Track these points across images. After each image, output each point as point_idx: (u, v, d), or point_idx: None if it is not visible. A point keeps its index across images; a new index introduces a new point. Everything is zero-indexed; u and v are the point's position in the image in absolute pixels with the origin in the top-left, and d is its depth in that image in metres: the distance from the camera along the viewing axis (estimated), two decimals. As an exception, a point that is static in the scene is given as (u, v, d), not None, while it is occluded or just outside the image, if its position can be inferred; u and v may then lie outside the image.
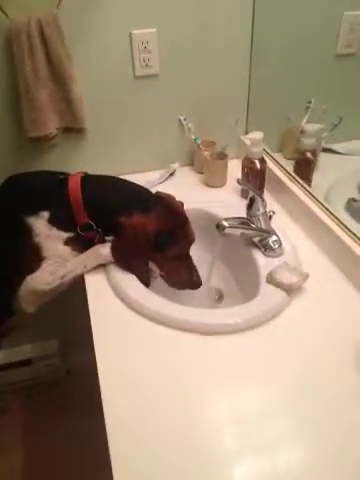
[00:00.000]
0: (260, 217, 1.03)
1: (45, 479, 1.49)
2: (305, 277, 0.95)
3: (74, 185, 1.01)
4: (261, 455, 0.69)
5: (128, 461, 0.68)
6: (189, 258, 1.05)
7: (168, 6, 1.20)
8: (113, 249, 1.00)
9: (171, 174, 1.41)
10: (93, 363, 0.83)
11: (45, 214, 1.00)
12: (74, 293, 1.01)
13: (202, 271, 1.06)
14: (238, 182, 1.14)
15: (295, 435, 0.71)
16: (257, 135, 1.21)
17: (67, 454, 1.52)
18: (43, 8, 1.08)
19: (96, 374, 0.81)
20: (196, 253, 1.07)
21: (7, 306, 1.09)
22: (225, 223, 0.98)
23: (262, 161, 1.23)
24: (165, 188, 1.10)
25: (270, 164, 1.29)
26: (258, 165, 1.23)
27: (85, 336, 0.94)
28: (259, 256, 1.04)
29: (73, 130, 1.26)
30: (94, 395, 0.79)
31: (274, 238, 1.04)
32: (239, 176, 1.28)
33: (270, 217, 1.06)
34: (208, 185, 1.37)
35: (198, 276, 1.05)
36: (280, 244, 1.04)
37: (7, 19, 1.08)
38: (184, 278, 1.04)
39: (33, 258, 1.00)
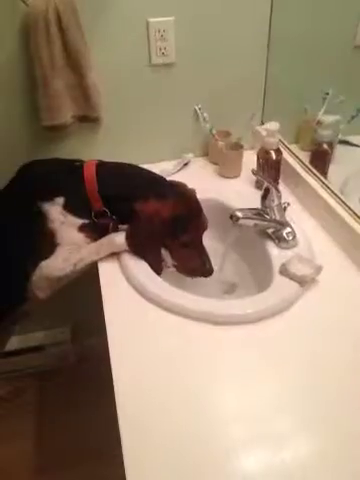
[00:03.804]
0: (274, 208, 1.03)
1: (57, 464, 1.51)
2: (318, 269, 0.95)
3: (89, 172, 1.02)
4: (269, 447, 0.69)
5: (138, 446, 0.69)
6: (202, 246, 1.05)
7: (186, -6, 1.19)
8: (128, 235, 1.00)
9: (185, 164, 1.40)
10: (105, 350, 0.84)
11: (60, 201, 1.00)
12: (86, 280, 1.02)
13: (215, 262, 1.06)
14: (253, 173, 1.13)
15: (304, 428, 0.71)
16: (273, 126, 1.20)
17: (79, 439, 1.54)
18: (61, -5, 1.08)
19: (107, 361, 0.81)
20: (209, 243, 1.07)
21: (20, 292, 1.11)
22: (239, 214, 0.98)
23: (277, 152, 1.22)
24: (179, 178, 1.10)
25: (286, 155, 1.28)
26: (273, 156, 1.22)
27: (97, 323, 0.95)
28: (272, 247, 1.03)
29: (88, 119, 1.26)
30: (105, 381, 0.80)
31: (288, 230, 1.03)
32: (254, 167, 1.27)
33: (285, 208, 1.05)
34: (223, 176, 1.36)
35: (210, 264, 1.04)
36: (294, 236, 1.03)
37: (25, 6, 1.07)
38: (195, 265, 1.04)
39: (47, 244, 1.01)
